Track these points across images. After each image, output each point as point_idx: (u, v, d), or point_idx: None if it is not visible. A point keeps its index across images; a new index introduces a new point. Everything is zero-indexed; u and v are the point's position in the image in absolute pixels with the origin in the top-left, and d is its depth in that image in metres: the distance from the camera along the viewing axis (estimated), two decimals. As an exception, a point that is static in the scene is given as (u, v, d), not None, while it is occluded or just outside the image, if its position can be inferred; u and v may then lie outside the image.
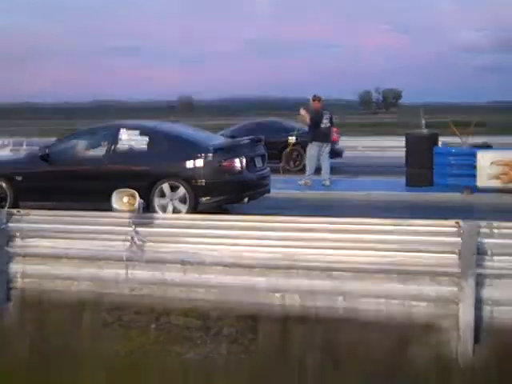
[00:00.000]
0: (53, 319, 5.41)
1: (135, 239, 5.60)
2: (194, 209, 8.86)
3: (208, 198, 9.20)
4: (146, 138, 9.66)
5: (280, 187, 11.87)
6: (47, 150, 10.18)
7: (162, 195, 9.23)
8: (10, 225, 5.96)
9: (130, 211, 5.68)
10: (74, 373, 4.54)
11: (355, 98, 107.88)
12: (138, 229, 5.64)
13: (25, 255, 5.93)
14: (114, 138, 9.81)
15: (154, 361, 4.63)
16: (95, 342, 4.99)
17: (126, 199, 5.68)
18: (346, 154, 17.62)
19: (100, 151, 9.88)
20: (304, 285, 5.13)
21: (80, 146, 10.23)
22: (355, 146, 19.74)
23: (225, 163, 9.39)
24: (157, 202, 9.13)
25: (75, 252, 5.86)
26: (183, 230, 5.77)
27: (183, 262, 5.47)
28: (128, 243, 5.61)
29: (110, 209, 5.93)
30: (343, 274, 5.09)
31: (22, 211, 6.19)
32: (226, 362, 4.66)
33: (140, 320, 5.32)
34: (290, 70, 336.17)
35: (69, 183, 9.67)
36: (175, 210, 9.08)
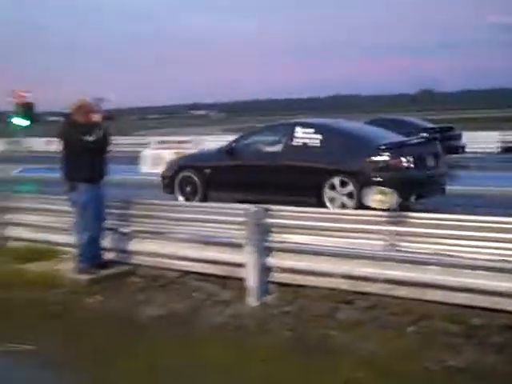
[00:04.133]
0: (309, 313, 5.75)
1: (391, 238, 5.69)
2: (361, 205, 8.35)
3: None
4: (320, 136, 10.36)
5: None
6: (233, 145, 11.35)
7: (332, 189, 9.94)
8: (267, 220, 6.43)
9: (385, 209, 5.78)
10: (333, 367, 4.79)
11: None
12: (394, 228, 5.71)
13: (281, 250, 6.34)
14: (291, 135, 10.63)
15: (416, 365, 4.67)
16: (350, 339, 5.21)
17: (380, 197, 5.78)
18: None
19: (278, 147, 10.77)
20: None
21: (260, 141, 11.21)
22: None
23: (391, 161, 9.76)
24: (327, 195, 9.93)
25: (329, 249, 6.12)
26: (440, 230, 5.73)
27: (440, 264, 5.42)
28: (383, 242, 5.72)
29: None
30: None
31: (277, 207, 6.63)
32: (491, 372, 4.52)
33: (396, 322, 5.38)
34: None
35: (249, 176, 10.70)
36: (343, 205, 9.75)
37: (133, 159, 20.66)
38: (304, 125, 10.90)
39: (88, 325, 5.97)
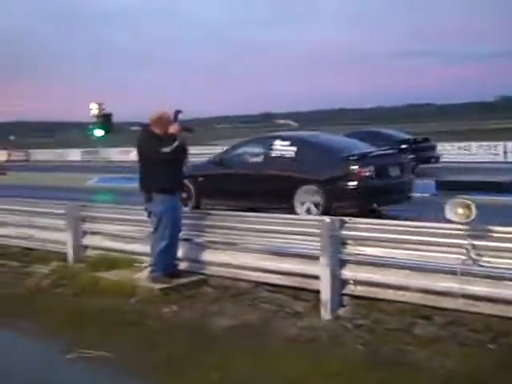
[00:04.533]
0: (384, 327, 5.63)
1: (471, 252, 5.50)
2: (327, 213, 9.05)
3: (338, 203, 10.54)
4: (295, 148, 11.53)
5: None
6: (223, 156, 12.66)
7: (303, 197, 10.96)
8: (343, 232, 6.35)
9: (465, 223, 5.58)
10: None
11: None
12: (474, 242, 5.52)
13: (356, 262, 6.24)
14: (271, 148, 11.86)
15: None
16: (428, 355, 5.05)
17: (461, 210, 5.59)
18: None
19: (260, 158, 12.00)
20: None
21: (246, 153, 12.40)
22: None
23: (355, 171, 10.71)
24: (297, 203, 10.94)
25: (405, 262, 5.98)
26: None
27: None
28: (463, 256, 5.54)
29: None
30: None
31: (353, 219, 6.53)
32: None
33: (476, 338, 5.19)
34: None
35: (235, 185, 11.89)
36: (310, 212, 10.73)
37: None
38: (283, 138, 12.20)
39: (162, 334, 6.04)
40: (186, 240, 7.68)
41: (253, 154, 12.20)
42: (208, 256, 7.51)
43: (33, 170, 30.91)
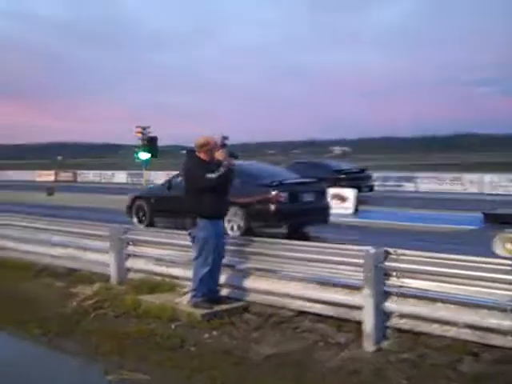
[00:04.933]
0: (429, 362, 5.50)
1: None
2: (247, 231, 12.01)
3: (255, 223, 12.44)
4: None
5: None
6: (171, 180, 14.29)
7: (229, 217, 11.79)
8: (387, 263, 6.25)
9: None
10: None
11: None
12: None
13: (401, 295, 6.13)
14: None
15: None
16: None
17: (510, 245, 5.47)
18: None
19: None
20: None
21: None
22: None
23: (269, 196, 12.40)
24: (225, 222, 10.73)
25: (452, 296, 5.85)
26: None
27: None
28: (512, 292, 5.39)
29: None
30: None
31: (398, 251, 6.43)
32: None
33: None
34: None
35: (176, 205, 11.77)
36: (236, 229, 12.44)
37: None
38: None
39: (202, 360, 6.02)
40: (228, 266, 7.68)
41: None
42: (250, 283, 7.49)
43: (80, 191, 31.51)
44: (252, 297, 7.46)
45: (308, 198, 13.37)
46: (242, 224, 12.50)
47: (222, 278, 7.61)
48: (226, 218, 11.48)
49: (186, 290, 7.83)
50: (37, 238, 10.64)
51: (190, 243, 7.58)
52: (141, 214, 14.94)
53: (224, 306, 7.38)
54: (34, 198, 27.35)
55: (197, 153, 7.40)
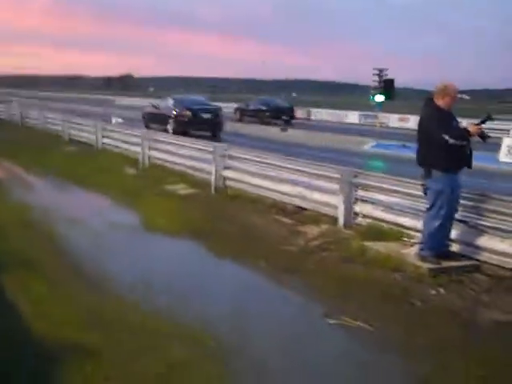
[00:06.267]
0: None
1: None
2: (175, 133, 22.55)
3: (177, 128, 24.02)
4: (172, 101, 26.59)
5: None
6: (155, 104, 28.64)
7: (167, 123, 25.20)
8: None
9: None
10: None
11: None
12: None
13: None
14: (166, 101, 27.65)
15: None
16: None
17: None
18: None
19: (162, 105, 27.47)
20: None
21: (161, 103, 28.27)
22: None
23: (183, 114, 24.96)
24: (168, 126, 25.16)
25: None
26: None
27: None
28: None
29: None
30: None
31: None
32: None
33: None
34: None
35: (157, 117, 26.81)
36: (168, 131, 24.05)
37: (495, 146, 19.35)
38: (171, 97, 27.42)
39: (427, 316, 5.84)
40: (461, 221, 7.30)
41: (162, 104, 27.10)
42: (484, 241, 7.07)
43: (312, 129, 32.11)
44: (484, 256, 7.06)
45: (206, 116, 25.31)
46: (172, 127, 24.39)
47: (454, 234, 7.26)
48: (168, 125, 24.83)
49: (414, 241, 7.64)
50: (268, 174, 11.04)
51: (421, 193, 7.32)
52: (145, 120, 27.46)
53: (453, 263, 7.07)
54: (267, 133, 28.60)
55: (434, 100, 7.01)
